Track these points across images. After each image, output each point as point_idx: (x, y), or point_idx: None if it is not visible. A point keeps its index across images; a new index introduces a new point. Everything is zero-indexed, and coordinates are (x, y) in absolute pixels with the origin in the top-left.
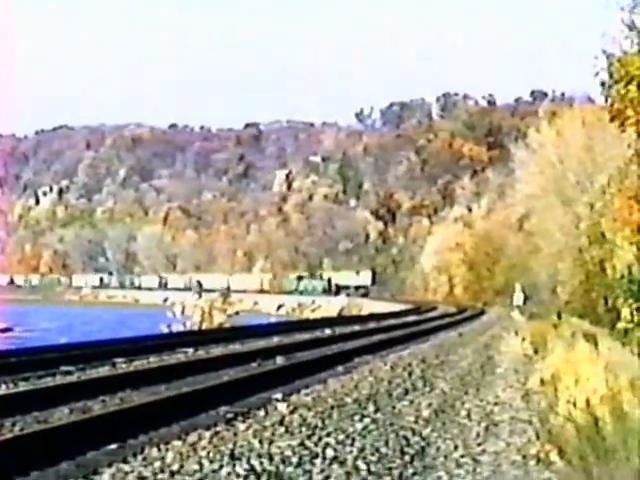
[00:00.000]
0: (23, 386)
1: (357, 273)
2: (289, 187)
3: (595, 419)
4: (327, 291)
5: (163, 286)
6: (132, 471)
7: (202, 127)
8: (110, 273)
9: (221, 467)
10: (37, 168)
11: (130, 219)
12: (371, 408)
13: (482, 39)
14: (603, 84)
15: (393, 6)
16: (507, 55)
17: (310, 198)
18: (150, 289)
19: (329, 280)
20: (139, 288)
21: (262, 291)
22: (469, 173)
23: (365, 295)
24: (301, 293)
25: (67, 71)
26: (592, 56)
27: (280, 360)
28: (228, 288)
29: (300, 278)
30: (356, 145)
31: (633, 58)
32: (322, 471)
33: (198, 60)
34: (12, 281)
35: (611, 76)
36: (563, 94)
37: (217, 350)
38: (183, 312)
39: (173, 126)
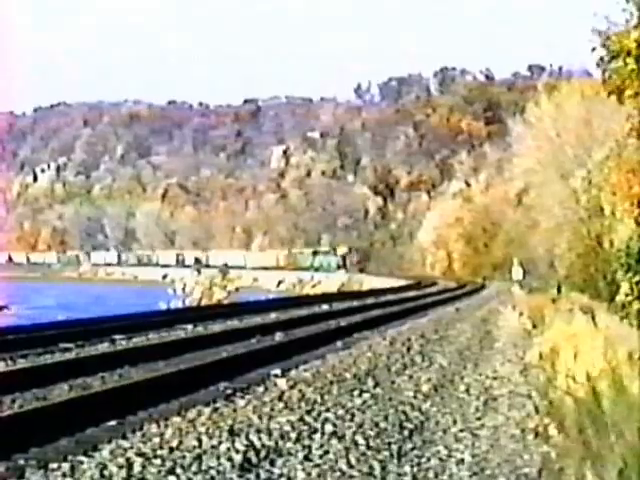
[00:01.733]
0: (22, 363)
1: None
2: (287, 163)
3: (594, 393)
4: (341, 267)
5: (181, 263)
6: (131, 447)
7: (200, 103)
8: (117, 249)
9: (220, 443)
10: (35, 145)
11: (128, 196)
12: (370, 383)
13: (479, 13)
14: (602, 59)
15: None
16: (504, 29)
17: (308, 174)
18: (167, 266)
19: (344, 256)
20: (156, 265)
21: (278, 268)
22: (467, 148)
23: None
24: (316, 270)
25: (65, 48)
26: (589, 30)
27: (279, 336)
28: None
29: (315, 253)
30: (354, 120)
31: (629, 31)
32: (321, 446)
33: (196, 36)
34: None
35: (608, 51)
36: (561, 68)
37: (216, 326)
38: (184, 289)
39: (171, 102)
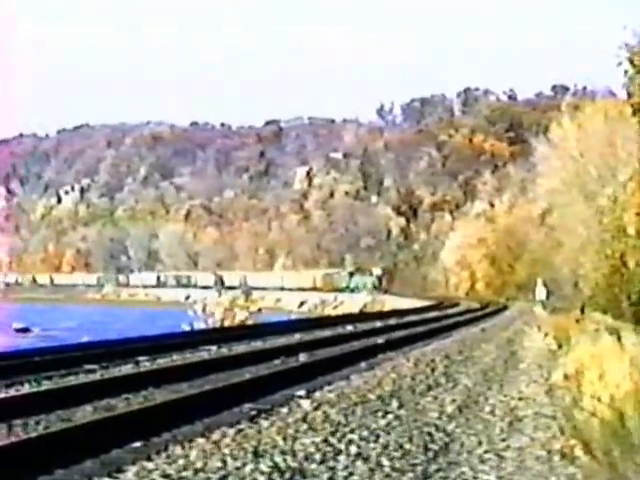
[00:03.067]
0: (46, 385)
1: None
2: (310, 184)
3: (620, 414)
4: (377, 288)
5: (220, 283)
6: (156, 469)
7: (222, 124)
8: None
9: (244, 464)
10: (59, 167)
11: (151, 217)
12: (394, 404)
13: (502, 33)
14: (626, 72)
15: (413, 1)
16: (527, 49)
17: (331, 195)
18: (206, 287)
19: (379, 277)
20: (195, 286)
21: (315, 289)
22: (490, 168)
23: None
24: (352, 291)
25: (88, 70)
26: (614, 49)
27: (303, 357)
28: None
29: (352, 274)
30: (377, 141)
31: None
32: (346, 467)
33: (218, 58)
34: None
35: (633, 65)
36: (585, 88)
37: (240, 347)
38: (204, 310)
39: (194, 124)
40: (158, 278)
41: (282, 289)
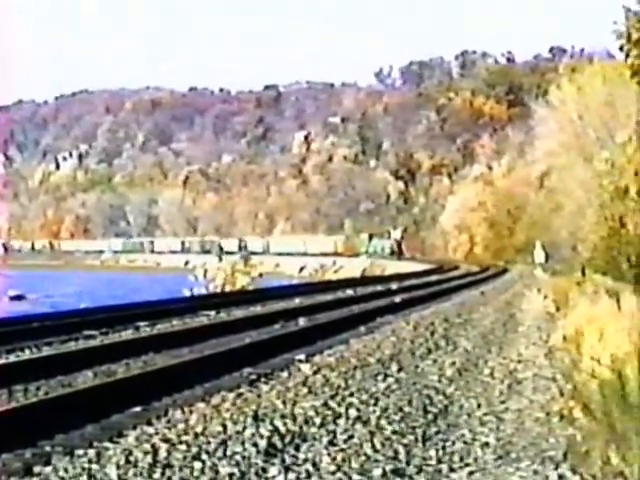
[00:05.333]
0: (47, 351)
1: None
2: (308, 148)
3: (619, 375)
4: (395, 252)
5: (243, 248)
6: (156, 433)
7: (221, 90)
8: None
9: (244, 428)
10: (57, 133)
11: (150, 183)
12: (394, 368)
13: None
14: (620, 36)
15: None
16: (525, 11)
17: (330, 159)
18: (231, 253)
19: (399, 241)
20: (221, 251)
21: (336, 254)
22: (489, 131)
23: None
24: (370, 255)
25: (86, 35)
26: (611, 9)
27: (302, 321)
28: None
29: (371, 237)
30: (376, 105)
31: None
32: (345, 431)
33: (216, 22)
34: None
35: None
36: (582, 50)
37: (239, 312)
38: (205, 275)
39: (192, 89)
40: (182, 243)
41: (305, 254)
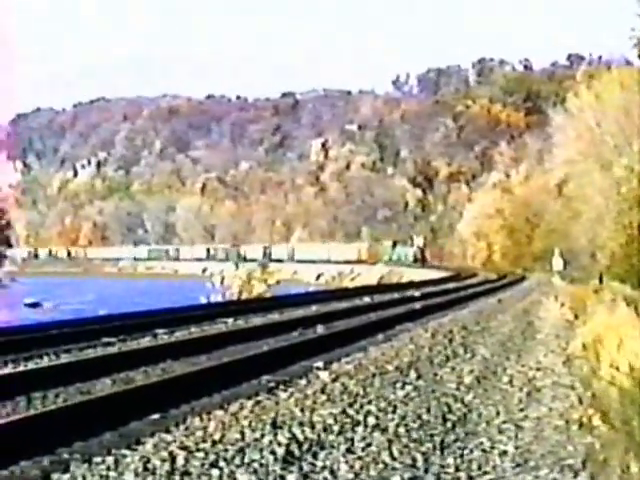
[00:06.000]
0: (65, 358)
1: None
2: (326, 156)
3: (638, 382)
4: (418, 260)
5: (268, 256)
6: (174, 441)
7: (238, 97)
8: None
9: (263, 436)
10: (75, 141)
11: (168, 190)
12: (412, 375)
13: (517, 3)
14: (638, 43)
15: None
16: (543, 19)
17: (347, 167)
18: (254, 260)
19: (422, 248)
20: (245, 259)
21: (360, 261)
22: (507, 139)
23: None
24: (393, 262)
25: (104, 43)
26: (629, 17)
27: (320, 329)
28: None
29: (394, 245)
30: (393, 112)
31: None
32: (364, 439)
33: (234, 30)
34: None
35: None
36: (600, 57)
37: (257, 320)
38: (222, 282)
39: (210, 97)
40: (208, 250)
41: (328, 261)
